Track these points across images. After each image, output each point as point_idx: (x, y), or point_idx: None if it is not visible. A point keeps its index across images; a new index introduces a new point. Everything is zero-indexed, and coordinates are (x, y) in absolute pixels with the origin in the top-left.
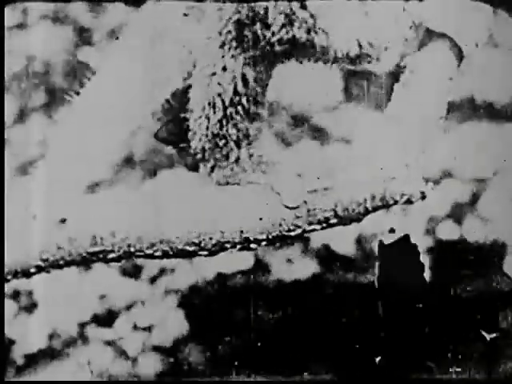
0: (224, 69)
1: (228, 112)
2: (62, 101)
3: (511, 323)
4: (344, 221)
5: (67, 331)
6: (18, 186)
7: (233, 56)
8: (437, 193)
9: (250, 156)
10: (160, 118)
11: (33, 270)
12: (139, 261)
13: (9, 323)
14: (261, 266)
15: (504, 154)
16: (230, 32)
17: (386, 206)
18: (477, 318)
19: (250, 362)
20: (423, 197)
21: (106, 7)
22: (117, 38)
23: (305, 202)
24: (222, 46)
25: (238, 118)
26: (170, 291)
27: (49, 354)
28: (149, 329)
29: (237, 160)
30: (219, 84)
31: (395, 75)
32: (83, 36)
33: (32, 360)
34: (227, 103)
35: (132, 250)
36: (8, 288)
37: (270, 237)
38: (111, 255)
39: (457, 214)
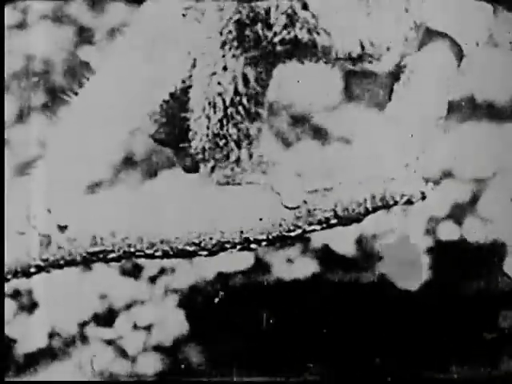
0: (225, 68)
1: (228, 112)
2: (62, 100)
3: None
4: (344, 221)
5: (67, 331)
6: (18, 186)
7: (234, 56)
8: (437, 193)
9: (251, 156)
10: (157, 120)
11: (33, 270)
12: (139, 261)
13: (9, 323)
14: (261, 266)
15: (504, 154)
16: (230, 32)
17: (386, 206)
18: (477, 317)
19: (249, 362)
20: (423, 197)
21: (106, 5)
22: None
23: (305, 202)
24: (223, 45)
25: (239, 117)
26: (170, 291)
27: (49, 354)
28: (149, 328)
29: (237, 160)
30: (220, 84)
31: (395, 75)
32: (83, 35)
33: (32, 359)
34: (228, 103)
35: (132, 250)
36: (8, 288)
37: (270, 237)
38: (111, 255)
39: (457, 214)
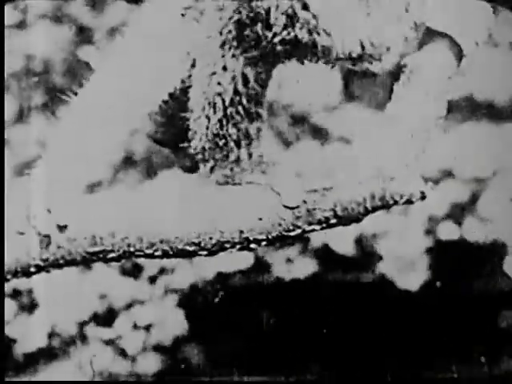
0: (224, 68)
1: (228, 112)
2: (62, 100)
3: (511, 323)
4: (344, 221)
5: (67, 330)
6: (18, 185)
7: (233, 56)
8: (437, 193)
9: (250, 156)
10: (155, 120)
11: (33, 270)
12: (139, 261)
13: (9, 322)
14: (261, 266)
15: (504, 154)
16: (230, 32)
17: (385, 206)
18: (477, 317)
19: (249, 362)
20: (423, 197)
21: (106, 5)
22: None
23: (304, 201)
24: (223, 45)
25: (238, 117)
26: (170, 291)
27: (49, 353)
28: (148, 328)
29: (237, 160)
30: (219, 84)
31: (395, 75)
32: (83, 34)
33: (32, 359)
34: (227, 103)
35: (132, 249)
36: (8, 287)
37: (270, 237)
38: (111, 255)
39: (457, 214)
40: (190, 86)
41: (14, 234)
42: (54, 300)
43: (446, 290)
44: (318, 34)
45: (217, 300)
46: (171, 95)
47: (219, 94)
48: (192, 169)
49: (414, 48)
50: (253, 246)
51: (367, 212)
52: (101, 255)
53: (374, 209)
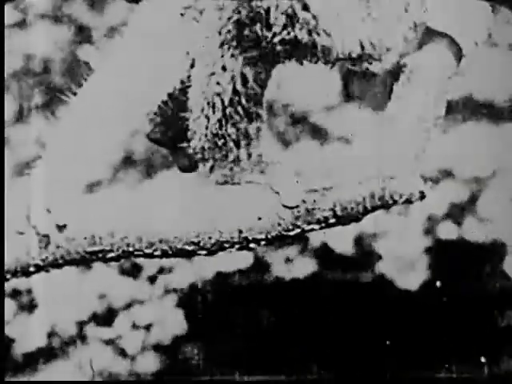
0: (223, 68)
1: (227, 112)
2: (62, 100)
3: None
4: (343, 220)
5: (66, 330)
6: (18, 185)
7: (232, 56)
8: (436, 193)
9: (249, 156)
10: (152, 119)
11: (32, 269)
12: (138, 260)
13: (8, 322)
14: (260, 265)
15: (503, 154)
16: (229, 31)
17: (385, 205)
18: (477, 317)
19: (249, 362)
20: (422, 196)
21: (106, 5)
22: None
23: (304, 201)
24: (222, 45)
25: (238, 117)
26: (170, 290)
27: (48, 353)
28: (148, 328)
29: (236, 160)
30: (218, 84)
31: (395, 75)
32: (83, 34)
33: (31, 359)
34: (226, 103)
35: (131, 249)
36: (7, 287)
37: (269, 236)
38: (110, 254)
39: (456, 213)
40: (189, 86)
41: (14, 234)
42: (54, 300)
43: (446, 289)
44: (318, 34)
45: (216, 299)
46: (170, 95)
47: (218, 94)
48: (189, 169)
49: (414, 48)
50: (252, 245)
51: (367, 212)
52: (100, 255)
53: (374, 208)
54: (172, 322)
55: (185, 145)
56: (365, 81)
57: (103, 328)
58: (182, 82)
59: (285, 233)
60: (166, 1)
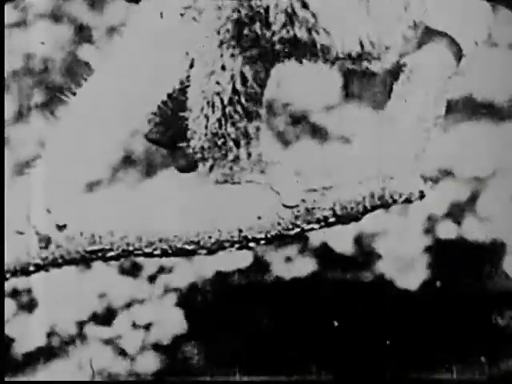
0: (223, 68)
1: (227, 111)
2: (61, 100)
3: (509, 322)
4: (343, 220)
5: (66, 330)
6: (18, 185)
7: (232, 55)
8: (436, 192)
9: (249, 155)
10: (151, 119)
11: (32, 269)
12: (138, 259)
13: (8, 322)
14: (260, 265)
15: (503, 154)
16: (228, 31)
17: (385, 205)
18: (476, 317)
19: (249, 361)
20: (422, 196)
21: (106, 4)
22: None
23: (303, 200)
24: (221, 44)
25: (237, 117)
26: (169, 290)
27: (48, 353)
28: (148, 327)
29: (236, 159)
30: (218, 83)
31: (394, 74)
32: (83, 34)
33: (31, 358)
34: (226, 102)
35: (131, 248)
36: (7, 286)
37: (269, 236)
38: (110, 254)
39: (456, 213)
40: (188, 86)
41: (14, 234)
42: (54, 299)
43: (446, 289)
44: (318, 32)
45: (216, 298)
46: (169, 95)
47: (218, 94)
48: (188, 169)
49: (414, 47)
50: (252, 244)
51: (366, 211)
52: (100, 254)
53: (373, 208)
54: (172, 322)
55: (184, 144)
56: (365, 80)
57: (103, 328)
58: (182, 82)
59: (285, 232)
60: (165, 1)
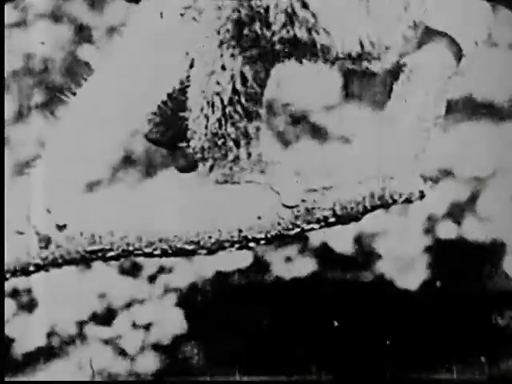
0: (223, 68)
1: (227, 111)
2: (61, 100)
3: (509, 322)
4: (343, 220)
5: (66, 330)
6: (18, 185)
7: (232, 55)
8: (436, 192)
9: (249, 155)
10: (151, 119)
11: (32, 269)
12: (138, 260)
13: (8, 322)
14: (260, 265)
15: (503, 154)
16: (228, 31)
17: (384, 205)
18: (476, 317)
19: (248, 361)
20: (422, 196)
21: (106, 4)
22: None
23: (303, 200)
24: (221, 44)
25: (237, 117)
26: (169, 290)
27: (48, 353)
28: (148, 327)
29: (236, 159)
30: (218, 83)
31: (394, 74)
32: (83, 34)
33: (31, 358)
34: (226, 102)
35: (131, 248)
36: (7, 286)
37: (269, 236)
38: (110, 254)
39: (456, 213)
40: (188, 86)
41: (14, 234)
42: (54, 299)
43: (446, 289)
44: (318, 32)
45: (216, 298)
46: (169, 95)
47: (218, 94)
48: (187, 169)
49: (414, 47)
50: (252, 244)
51: (366, 211)
52: (100, 254)
53: (373, 208)
54: (172, 322)
55: (184, 145)
56: (365, 80)
57: (103, 328)
58: (182, 82)
59: (285, 232)
60: (165, 1)
